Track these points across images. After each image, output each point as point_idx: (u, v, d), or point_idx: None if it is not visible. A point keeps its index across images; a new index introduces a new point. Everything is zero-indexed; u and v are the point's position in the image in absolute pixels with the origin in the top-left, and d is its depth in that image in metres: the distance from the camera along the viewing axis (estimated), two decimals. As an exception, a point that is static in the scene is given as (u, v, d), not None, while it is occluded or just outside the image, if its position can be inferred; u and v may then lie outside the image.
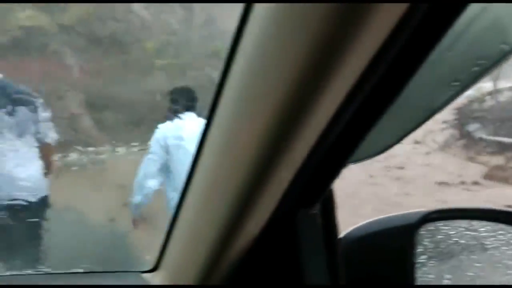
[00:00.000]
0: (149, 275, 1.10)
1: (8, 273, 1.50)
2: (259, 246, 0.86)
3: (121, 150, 8.70)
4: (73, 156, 7.27)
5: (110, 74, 9.32)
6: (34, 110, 3.01)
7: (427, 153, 10.15)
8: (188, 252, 0.95)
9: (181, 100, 3.30)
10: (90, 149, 8.23)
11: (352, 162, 0.76)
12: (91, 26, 9.98)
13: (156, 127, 3.36)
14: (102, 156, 8.31)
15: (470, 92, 9.93)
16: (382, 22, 0.54)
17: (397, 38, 0.57)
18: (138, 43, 9.98)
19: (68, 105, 8.94)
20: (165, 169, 3.15)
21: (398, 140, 0.84)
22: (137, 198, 3.19)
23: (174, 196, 3.03)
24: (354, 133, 0.70)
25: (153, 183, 3.15)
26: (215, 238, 0.85)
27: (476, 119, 11.15)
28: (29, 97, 3.03)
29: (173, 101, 3.36)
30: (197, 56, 10.22)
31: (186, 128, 3.19)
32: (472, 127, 10.88)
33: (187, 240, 0.94)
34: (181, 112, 3.27)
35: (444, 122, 11.18)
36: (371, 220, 0.97)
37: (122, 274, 1.18)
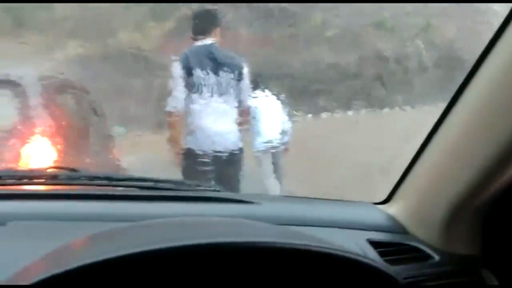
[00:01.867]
0: (382, 206, 1.17)
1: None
2: None
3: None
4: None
5: (278, 44, 9.67)
6: (239, 76, 3.34)
7: None
8: (434, 186, 0.99)
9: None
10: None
11: None
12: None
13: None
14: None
15: None
16: None
17: None
18: (306, 14, 10.16)
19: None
20: None
21: None
22: None
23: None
24: None
25: None
26: (473, 175, 0.88)
27: None
28: (237, 64, 3.36)
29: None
30: (363, 27, 10.09)
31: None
32: None
33: (435, 174, 0.99)
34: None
35: None
36: None
37: (356, 203, 1.28)
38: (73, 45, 10.69)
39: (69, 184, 1.21)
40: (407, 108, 8.35)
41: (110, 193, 1.12)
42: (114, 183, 1.21)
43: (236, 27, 9.77)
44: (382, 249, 1.00)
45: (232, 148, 3.36)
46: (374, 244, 1.01)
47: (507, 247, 0.99)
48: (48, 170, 1.28)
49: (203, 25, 3.45)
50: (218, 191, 1.30)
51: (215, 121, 3.32)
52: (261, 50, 9.75)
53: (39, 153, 3.14)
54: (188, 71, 3.30)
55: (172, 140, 3.52)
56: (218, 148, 3.33)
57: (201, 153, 3.31)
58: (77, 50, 10.37)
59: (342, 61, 9.61)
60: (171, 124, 3.47)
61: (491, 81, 0.85)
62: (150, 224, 0.79)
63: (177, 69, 3.34)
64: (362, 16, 10.17)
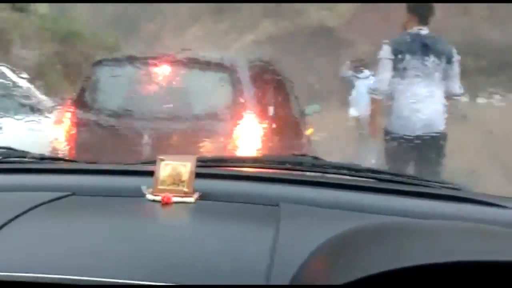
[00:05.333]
0: None
1: None
2: None
3: (480, 99, 8.38)
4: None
5: (479, 17, 8.94)
6: (448, 62, 3.34)
7: None
8: None
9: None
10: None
11: None
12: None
13: None
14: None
15: None
16: None
17: None
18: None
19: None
20: None
21: None
22: None
23: None
24: None
25: None
26: None
27: None
28: (447, 51, 3.37)
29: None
30: None
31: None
32: None
33: None
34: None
35: None
36: None
37: None
38: (265, 25, 11.28)
39: (312, 171, 1.32)
40: None
41: (354, 183, 1.19)
42: (354, 173, 1.28)
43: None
44: None
45: (434, 131, 3.35)
46: None
47: None
48: (291, 158, 1.40)
49: (424, 16, 3.50)
50: (459, 189, 1.27)
51: (419, 104, 3.35)
52: (457, 23, 9.12)
53: (252, 136, 3.47)
54: (399, 57, 3.39)
55: (372, 121, 3.64)
56: (420, 131, 3.34)
57: (401, 135, 3.36)
58: (268, 30, 10.94)
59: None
60: (373, 105, 3.59)
61: None
62: (428, 226, 0.81)
63: (387, 54, 3.45)
64: None
